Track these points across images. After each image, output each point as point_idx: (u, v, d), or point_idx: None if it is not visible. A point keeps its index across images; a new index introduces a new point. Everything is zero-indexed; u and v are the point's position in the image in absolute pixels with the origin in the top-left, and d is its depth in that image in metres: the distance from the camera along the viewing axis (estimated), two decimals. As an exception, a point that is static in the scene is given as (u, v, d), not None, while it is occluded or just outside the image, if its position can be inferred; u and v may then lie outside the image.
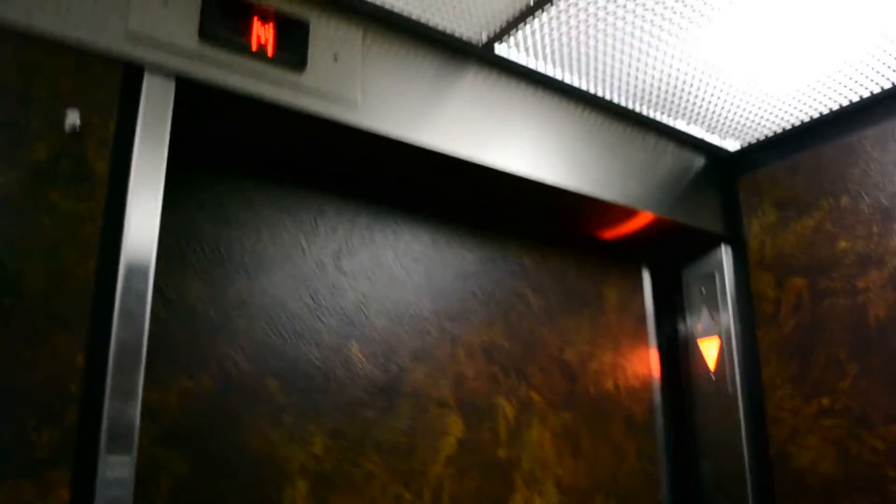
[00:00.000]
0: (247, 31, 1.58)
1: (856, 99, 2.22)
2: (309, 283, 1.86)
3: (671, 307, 2.65)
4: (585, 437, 2.28)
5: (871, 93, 2.19)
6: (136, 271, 1.36)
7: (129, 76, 1.43)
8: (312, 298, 1.85)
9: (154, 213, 1.41)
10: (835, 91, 2.18)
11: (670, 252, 2.62)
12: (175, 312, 1.66)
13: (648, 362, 2.54)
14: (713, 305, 2.49)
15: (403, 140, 1.77)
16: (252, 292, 1.77)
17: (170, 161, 1.46)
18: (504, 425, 2.11)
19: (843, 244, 2.21)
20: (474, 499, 2.00)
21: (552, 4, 1.78)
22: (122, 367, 1.31)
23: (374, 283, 1.97)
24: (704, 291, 2.52)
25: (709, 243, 2.52)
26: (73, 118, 1.34)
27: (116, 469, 1.26)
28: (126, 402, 1.30)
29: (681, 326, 2.62)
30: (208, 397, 1.65)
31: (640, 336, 2.54)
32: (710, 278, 2.51)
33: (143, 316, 1.35)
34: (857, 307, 2.15)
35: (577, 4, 1.79)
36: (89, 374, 1.28)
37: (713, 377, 2.45)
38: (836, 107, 2.27)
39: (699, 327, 2.53)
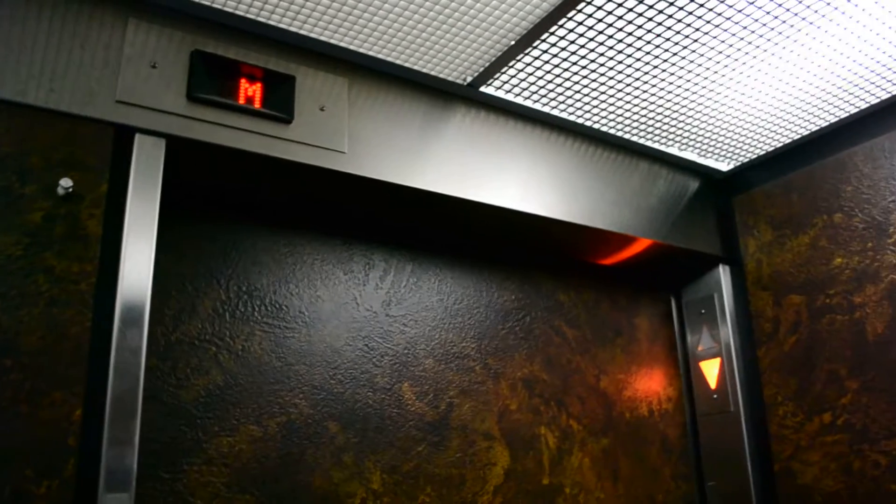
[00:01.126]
0: (234, 88, 1.65)
1: (844, 115, 2.25)
2: (362, 330, 1.99)
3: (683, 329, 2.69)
4: (623, 461, 2.38)
5: (859, 109, 2.21)
6: (131, 325, 1.42)
7: (120, 139, 1.51)
8: (366, 344, 1.99)
9: (147, 268, 1.48)
10: (823, 109, 2.20)
11: (669, 275, 2.65)
12: (241, 364, 1.78)
13: (679, 386, 2.61)
14: (713, 326, 2.51)
15: (391, 183, 1.83)
16: (311, 341, 1.90)
17: (214, 219, 1.62)
18: (546, 454, 2.22)
19: (838, 260, 2.23)
20: None
21: (534, 46, 1.84)
22: (119, 418, 1.37)
23: (422, 326, 2.10)
24: (704, 312, 2.55)
25: (707, 264, 2.55)
26: (66, 183, 1.41)
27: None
28: (123, 451, 1.36)
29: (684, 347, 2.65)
30: (274, 441, 1.77)
31: (670, 361, 2.62)
32: (710, 299, 2.53)
33: (138, 367, 1.41)
34: (855, 323, 2.16)
35: (558, 44, 1.84)
36: (87, 426, 1.34)
37: (715, 396, 2.47)
38: (825, 124, 2.29)
39: (700, 348, 2.55)
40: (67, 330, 1.36)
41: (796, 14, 1.77)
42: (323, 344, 1.91)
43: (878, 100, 2.17)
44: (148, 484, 1.59)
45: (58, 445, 1.31)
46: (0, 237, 1.34)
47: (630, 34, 1.81)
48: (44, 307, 1.35)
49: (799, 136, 2.36)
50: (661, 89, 2.05)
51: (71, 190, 1.41)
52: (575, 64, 1.92)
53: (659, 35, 1.82)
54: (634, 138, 2.32)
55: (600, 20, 1.75)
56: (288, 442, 1.79)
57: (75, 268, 1.40)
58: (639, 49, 1.87)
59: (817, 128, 2.31)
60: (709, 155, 2.45)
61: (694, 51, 1.89)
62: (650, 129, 2.26)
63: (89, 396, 1.36)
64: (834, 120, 2.27)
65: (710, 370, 2.49)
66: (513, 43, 1.83)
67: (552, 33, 1.79)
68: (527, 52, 1.86)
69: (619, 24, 1.77)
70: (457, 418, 2.07)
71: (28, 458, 1.28)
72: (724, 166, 2.54)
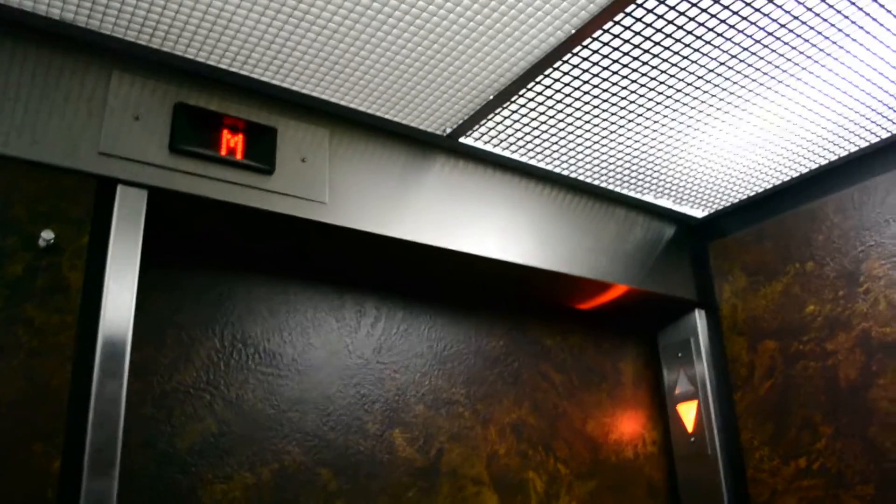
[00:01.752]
0: (216, 140, 1.68)
1: (815, 167, 2.31)
2: (354, 377, 2.01)
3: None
4: None
5: (829, 161, 2.27)
6: (110, 375, 1.43)
7: (103, 190, 1.52)
8: (358, 391, 2.01)
9: (127, 319, 1.48)
10: (795, 161, 2.26)
11: (647, 320, 2.68)
12: (235, 412, 1.80)
13: (662, 429, 2.63)
14: (690, 368, 2.54)
15: (372, 233, 1.85)
16: (303, 389, 1.92)
17: (209, 268, 1.68)
18: (535, 498, 2.24)
19: (811, 308, 2.27)
20: None
21: (511, 101, 1.88)
22: (98, 470, 1.37)
23: (412, 372, 2.13)
24: (681, 355, 2.58)
25: (683, 309, 2.58)
26: (47, 235, 1.42)
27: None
28: (102, 502, 1.36)
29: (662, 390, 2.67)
30: (268, 489, 1.78)
31: (654, 404, 2.65)
32: (686, 343, 2.57)
33: (117, 419, 1.41)
34: (827, 369, 2.20)
35: (535, 99, 1.88)
36: (65, 478, 1.34)
37: (693, 439, 2.49)
38: (797, 175, 2.35)
39: (678, 391, 2.58)
40: (47, 382, 1.37)
41: (767, 73, 1.83)
42: (315, 391, 1.92)
43: (846, 153, 2.23)
44: (139, 533, 1.59)
45: (36, 498, 1.31)
46: (-21, 289, 1.35)
47: (606, 90, 1.86)
48: (23, 359, 1.35)
49: (771, 186, 2.41)
50: (637, 140, 2.10)
51: (52, 241, 1.42)
52: (552, 117, 1.97)
53: (634, 91, 1.87)
54: (611, 186, 2.36)
55: (576, 77, 1.80)
56: (281, 489, 1.80)
57: (55, 319, 1.40)
58: (615, 104, 1.92)
59: (789, 178, 2.37)
60: (684, 202, 2.50)
61: (669, 105, 1.94)
62: (626, 178, 2.31)
63: (68, 448, 1.36)
64: (805, 171, 2.33)
65: (688, 413, 2.52)
66: (491, 97, 1.87)
67: (530, 89, 1.84)
68: (505, 105, 1.90)
69: (595, 81, 1.82)
70: (447, 463, 2.09)
71: (4, 511, 1.28)
72: (700, 213, 2.59)
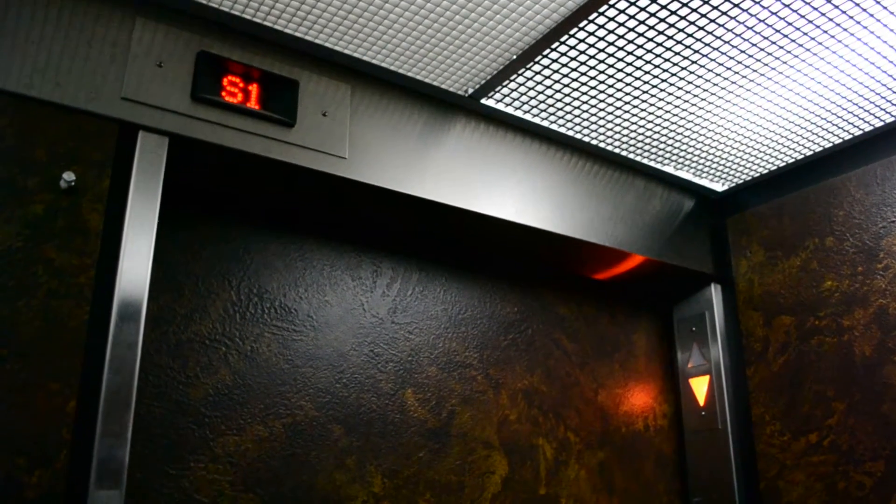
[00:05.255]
0: (238, 91, 1.67)
1: (838, 142, 2.28)
2: (368, 336, 2.02)
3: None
4: (618, 475, 2.41)
5: (853, 136, 2.25)
6: (128, 320, 1.43)
7: (124, 136, 1.52)
8: (372, 350, 2.01)
9: (146, 264, 1.49)
10: (818, 135, 2.24)
11: (662, 292, 2.67)
12: (250, 365, 1.80)
13: (674, 403, 2.63)
14: (703, 343, 2.53)
15: (391, 190, 1.85)
16: (318, 345, 1.92)
17: (228, 222, 1.68)
18: (544, 464, 2.24)
19: (828, 283, 2.25)
20: None
21: (535, 61, 1.86)
22: (113, 412, 1.38)
23: (426, 334, 2.13)
24: (695, 329, 2.57)
25: (699, 283, 2.57)
26: (68, 176, 1.42)
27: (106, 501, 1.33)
28: (116, 444, 1.37)
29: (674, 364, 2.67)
30: (280, 442, 1.80)
31: (666, 378, 2.65)
32: (701, 317, 2.55)
33: (133, 363, 1.42)
34: (843, 345, 2.18)
35: (559, 60, 1.87)
36: (81, 418, 1.35)
37: (704, 413, 2.49)
38: (819, 150, 2.33)
39: (690, 365, 2.57)
40: (65, 322, 1.37)
41: (794, 40, 1.80)
42: (330, 348, 1.93)
43: (871, 127, 2.20)
44: (154, 480, 1.60)
45: (51, 436, 1.32)
46: (1, 228, 1.35)
47: (631, 53, 1.84)
48: (42, 298, 1.36)
49: (793, 161, 2.39)
50: (660, 108, 2.08)
51: (73, 184, 1.43)
52: (575, 80, 1.95)
53: (659, 55, 1.85)
54: (631, 156, 2.34)
55: (602, 38, 1.78)
56: (293, 443, 1.81)
57: (75, 261, 1.41)
58: (639, 68, 1.90)
59: (811, 153, 2.34)
60: (704, 175, 2.48)
61: (693, 72, 1.92)
62: (647, 148, 2.29)
63: (84, 389, 1.37)
64: (828, 146, 2.30)
65: (700, 387, 2.51)
66: (515, 57, 1.85)
67: (554, 49, 1.82)
68: (528, 66, 1.88)
69: (621, 42, 1.80)
70: (457, 426, 2.09)
71: (21, 447, 1.29)
72: (719, 187, 2.57)
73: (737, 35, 1.78)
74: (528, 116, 2.12)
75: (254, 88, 1.70)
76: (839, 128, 2.20)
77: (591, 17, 1.70)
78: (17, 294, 1.34)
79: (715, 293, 2.55)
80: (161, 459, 1.62)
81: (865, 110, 2.11)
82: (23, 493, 1.28)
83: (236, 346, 1.79)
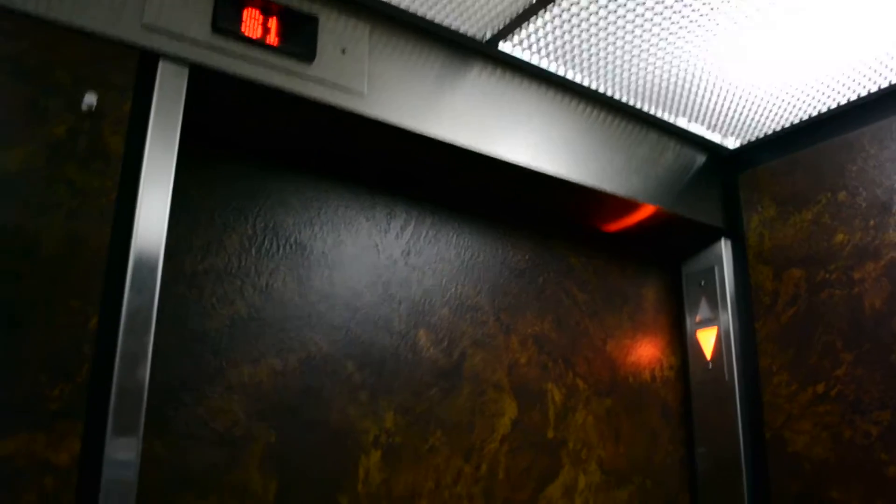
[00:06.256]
0: (258, 24, 1.67)
1: (854, 97, 2.28)
2: (382, 276, 2.04)
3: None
4: (625, 422, 2.45)
5: (870, 91, 2.24)
6: (149, 242, 1.45)
7: (145, 63, 1.52)
8: (385, 290, 2.03)
9: (166, 190, 1.50)
10: (834, 90, 2.23)
11: (671, 248, 2.68)
12: (265, 298, 1.83)
13: (680, 356, 2.66)
14: (712, 297, 2.55)
15: (408, 129, 1.86)
16: (332, 283, 1.94)
17: (244, 158, 1.72)
18: (553, 409, 2.27)
19: (840, 237, 2.26)
20: (526, 474, 2.18)
21: (554, 4, 1.86)
22: (134, 332, 1.40)
23: (439, 277, 2.15)
24: (704, 284, 2.58)
25: (709, 238, 2.58)
26: (89, 99, 1.42)
27: (126, 421, 1.36)
28: (136, 362, 1.39)
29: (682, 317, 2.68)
30: (294, 376, 1.82)
31: (674, 332, 2.68)
32: (710, 271, 2.57)
33: (153, 287, 1.44)
34: (853, 297, 2.20)
35: (578, 3, 1.86)
36: (102, 336, 1.37)
37: (710, 366, 2.51)
38: (834, 105, 2.32)
39: (698, 318, 2.59)
40: (86, 241, 1.39)
41: (814, -17, 1.80)
42: (344, 286, 1.95)
43: (887, 83, 2.19)
44: (170, 406, 1.62)
45: (72, 352, 1.34)
46: (22, 147, 1.36)
47: (650, -5, 1.84)
48: (64, 217, 1.37)
49: (808, 116, 2.39)
50: (676, 57, 2.08)
51: (94, 106, 1.44)
52: (594, 25, 1.95)
53: (678, 0, 1.85)
54: (645, 107, 2.34)
55: (621, -22, 1.78)
56: (307, 377, 1.84)
57: (96, 182, 1.42)
58: (658, 13, 1.90)
59: (826, 108, 2.34)
60: (717, 130, 2.48)
61: (711, 19, 1.91)
62: (661, 99, 2.29)
63: (105, 308, 1.39)
64: (843, 101, 2.30)
65: (707, 340, 2.53)
66: (534, 1, 1.85)
67: (573, -11, 1.82)
68: (547, 8, 1.88)
69: (640, -17, 1.80)
70: (469, 368, 2.12)
71: (43, 362, 1.31)
72: (731, 143, 2.57)
73: (757, -22, 1.78)
74: (543, 63, 2.12)
75: (273, 23, 1.70)
76: (855, 82, 2.20)
77: (611, -44, 1.70)
78: (38, 212, 1.36)
79: (725, 248, 2.56)
80: (176, 387, 1.65)
81: (883, 64, 2.11)
82: (45, 407, 1.30)
83: (252, 280, 1.81)
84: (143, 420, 1.39)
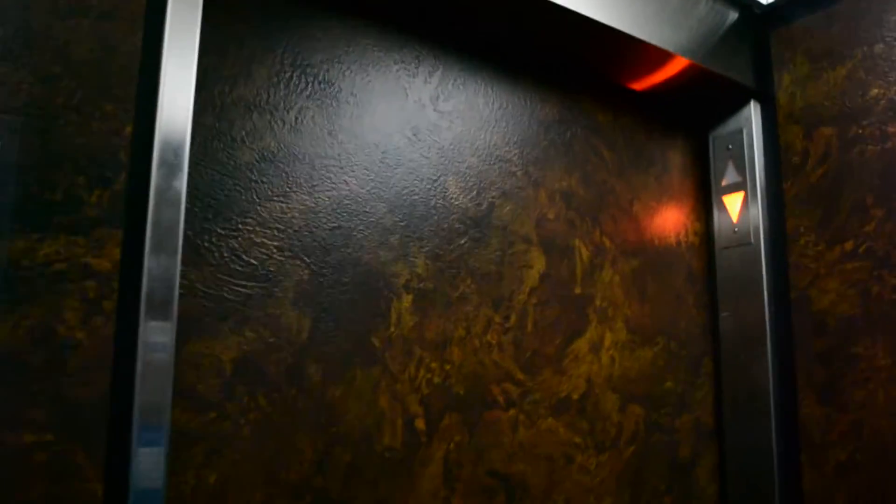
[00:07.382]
0: None
1: (896, -56, 2.19)
2: (411, 119, 1.97)
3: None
4: (651, 283, 2.43)
5: (912, -63, 2.16)
6: (178, 54, 1.40)
7: None
8: (414, 134, 1.97)
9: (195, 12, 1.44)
10: (875, -67, 2.15)
11: (699, 110, 2.62)
12: (294, 134, 1.76)
13: (706, 222, 2.63)
14: (739, 161, 2.50)
15: None
16: (361, 123, 1.88)
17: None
18: (580, 265, 2.25)
19: (875, 91, 2.20)
20: (554, 327, 2.16)
21: None
22: (170, 142, 1.36)
23: (468, 124, 2.08)
24: (731, 147, 2.53)
25: (738, 100, 2.51)
26: None
27: (165, 231, 1.33)
28: (173, 173, 1.35)
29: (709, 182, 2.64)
30: (325, 214, 1.78)
31: (700, 198, 2.64)
32: (738, 134, 2.51)
33: (188, 98, 1.40)
34: (886, 152, 2.16)
35: None
36: (137, 144, 1.33)
37: (736, 230, 2.48)
38: (874, -47, 2.24)
39: (724, 182, 2.55)
40: (117, 46, 1.33)
41: None
42: (372, 127, 1.89)
43: (933, -75, 2.11)
44: (203, 237, 1.58)
45: (109, 157, 1.29)
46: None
47: None
48: (94, 20, 1.31)
49: (845, -33, 2.30)
50: None
51: None
52: None
53: None
54: (679, -45, 2.25)
55: None
56: (338, 216, 1.79)
57: None
58: None
59: (866, -43, 2.25)
60: (750, -16, 2.39)
61: None
62: (696, -53, 2.20)
63: (139, 115, 1.34)
64: (884, -52, 2.22)
65: (734, 203, 2.50)
66: None
67: None
68: None
69: None
70: (497, 218, 2.09)
71: (80, 165, 1.27)
72: None
73: None
74: None
75: None
76: (899, -74, 2.11)
77: None
78: (68, 12, 1.29)
79: (754, 111, 2.50)
80: (210, 218, 1.60)
81: None
82: (83, 212, 1.26)
83: (281, 114, 1.75)
84: (182, 234, 1.36)
